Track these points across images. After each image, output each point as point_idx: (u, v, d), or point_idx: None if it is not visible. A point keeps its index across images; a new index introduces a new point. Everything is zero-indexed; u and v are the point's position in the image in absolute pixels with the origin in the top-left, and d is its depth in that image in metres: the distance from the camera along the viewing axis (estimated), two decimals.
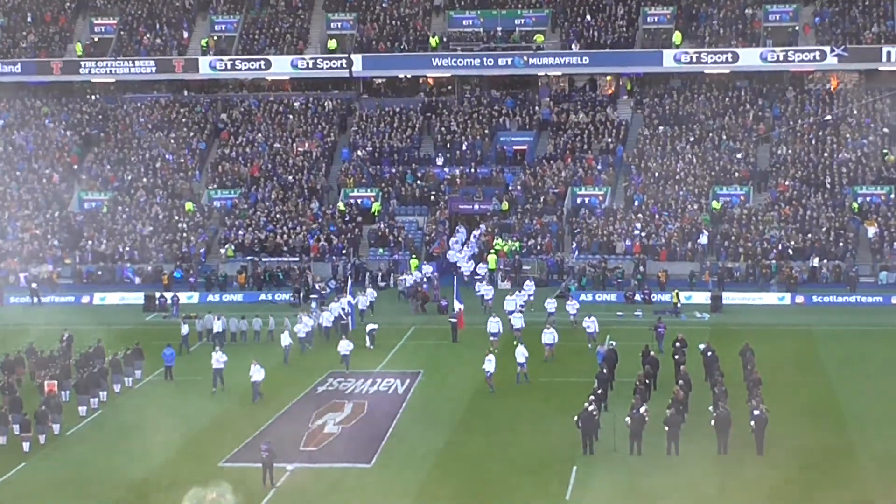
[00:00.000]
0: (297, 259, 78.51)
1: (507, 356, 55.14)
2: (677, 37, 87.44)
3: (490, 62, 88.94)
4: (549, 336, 57.07)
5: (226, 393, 52.16)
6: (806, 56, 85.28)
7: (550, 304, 64.44)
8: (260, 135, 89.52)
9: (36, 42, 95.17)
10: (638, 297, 71.21)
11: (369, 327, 61.52)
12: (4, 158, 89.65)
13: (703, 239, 76.52)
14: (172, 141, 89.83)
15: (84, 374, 51.98)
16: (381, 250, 79.66)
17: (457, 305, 62.90)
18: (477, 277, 73.81)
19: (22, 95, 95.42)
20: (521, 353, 54.37)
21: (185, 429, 48.49)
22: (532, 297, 67.94)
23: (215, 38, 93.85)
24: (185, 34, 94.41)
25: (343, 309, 63.78)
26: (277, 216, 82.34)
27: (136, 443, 46.90)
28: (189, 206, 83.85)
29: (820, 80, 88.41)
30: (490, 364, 52.74)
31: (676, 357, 52.70)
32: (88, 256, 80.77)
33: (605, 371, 51.01)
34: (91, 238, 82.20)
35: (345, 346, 56.63)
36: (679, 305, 67.95)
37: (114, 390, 53.62)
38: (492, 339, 58.50)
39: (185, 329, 61.18)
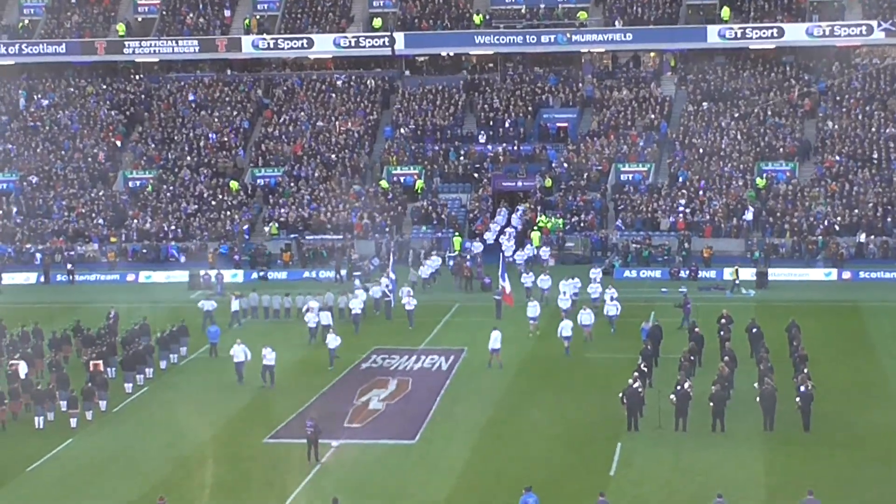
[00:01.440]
0: (340, 237, 78.63)
1: (549, 337, 55.20)
2: (725, 12, 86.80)
3: (533, 39, 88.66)
4: (586, 317, 56.56)
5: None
6: (852, 30, 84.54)
7: (594, 289, 63.08)
8: (303, 113, 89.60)
9: (80, 22, 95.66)
10: (683, 273, 70.88)
11: (408, 307, 60.81)
12: (50, 138, 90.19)
13: (749, 215, 76.05)
14: (216, 120, 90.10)
15: (130, 352, 52.25)
16: (424, 228, 79.65)
17: (504, 284, 62.50)
18: (520, 255, 73.15)
19: (67, 75, 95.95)
20: (567, 327, 54.34)
21: (229, 405, 48.72)
22: (599, 285, 63.65)
23: (258, 17, 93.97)
24: (228, 13, 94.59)
25: (387, 286, 63.69)
26: (321, 194, 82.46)
27: (182, 419, 47.15)
28: (234, 184, 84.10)
29: (867, 54, 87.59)
30: (496, 341, 52.66)
31: (721, 333, 52.43)
32: (133, 235, 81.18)
33: (649, 347, 50.82)
34: (136, 217, 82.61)
35: (332, 340, 54.39)
36: (738, 282, 67.38)
37: (159, 367, 53.88)
38: (531, 322, 58.16)
39: (209, 305, 61.24)
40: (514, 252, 73.12)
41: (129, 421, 47.31)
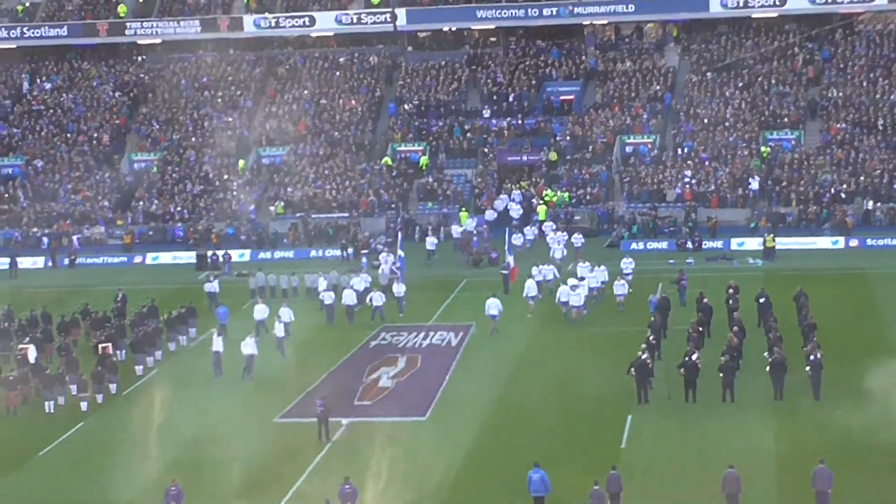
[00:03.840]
0: (346, 215, 78.58)
1: (556, 314, 55.39)
2: None
3: (535, 12, 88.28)
4: (575, 299, 55.88)
5: (278, 351, 52.14)
6: None
7: (583, 269, 60.39)
8: (306, 91, 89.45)
9: (82, 4, 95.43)
10: (689, 244, 70.81)
11: (398, 294, 59.58)
12: (54, 121, 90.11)
13: (754, 185, 75.91)
14: (220, 100, 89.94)
15: (139, 334, 52.33)
16: (430, 204, 79.58)
17: (509, 259, 62.50)
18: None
19: (70, 58, 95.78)
20: (565, 292, 54.77)
21: (240, 385, 48.82)
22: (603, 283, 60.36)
23: None
24: None
25: (394, 264, 63.57)
26: (326, 172, 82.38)
27: (193, 400, 47.22)
28: (241, 164, 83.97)
29: (871, 21, 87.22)
30: (492, 308, 53.48)
31: (730, 303, 52.42)
32: (140, 217, 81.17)
33: (657, 319, 50.81)
34: (142, 198, 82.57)
35: (286, 313, 54.26)
36: (773, 249, 67.39)
37: (168, 349, 53.94)
38: (530, 302, 57.35)
39: (210, 287, 61.26)
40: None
41: (140, 403, 47.30)
